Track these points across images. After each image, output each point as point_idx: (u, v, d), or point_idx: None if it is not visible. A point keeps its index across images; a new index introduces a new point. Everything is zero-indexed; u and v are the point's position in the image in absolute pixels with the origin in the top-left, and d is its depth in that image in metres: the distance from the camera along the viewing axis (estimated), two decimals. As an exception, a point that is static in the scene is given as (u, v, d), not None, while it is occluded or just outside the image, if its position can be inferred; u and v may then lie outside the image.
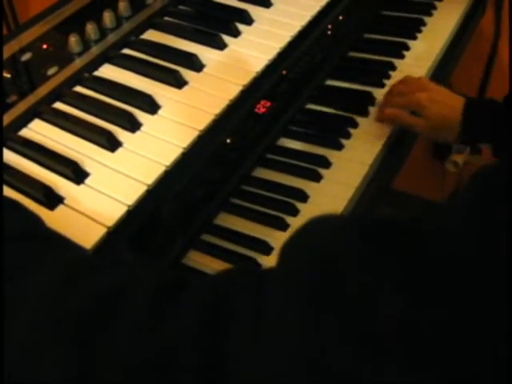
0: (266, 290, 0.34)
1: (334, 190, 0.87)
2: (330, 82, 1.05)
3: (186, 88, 0.68)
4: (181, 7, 0.82)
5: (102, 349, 0.35)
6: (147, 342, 0.35)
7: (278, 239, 0.81)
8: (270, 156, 0.93)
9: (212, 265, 0.79)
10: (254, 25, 0.77)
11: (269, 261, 0.79)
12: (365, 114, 0.98)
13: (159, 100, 0.65)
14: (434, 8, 1.18)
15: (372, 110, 0.98)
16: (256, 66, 0.72)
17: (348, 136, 0.94)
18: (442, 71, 1.08)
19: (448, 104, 0.89)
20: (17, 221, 0.47)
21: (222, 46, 0.73)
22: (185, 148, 0.60)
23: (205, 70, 0.70)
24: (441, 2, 1.20)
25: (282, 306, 0.32)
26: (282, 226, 0.82)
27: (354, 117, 0.97)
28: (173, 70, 0.68)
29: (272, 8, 0.80)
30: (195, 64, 0.69)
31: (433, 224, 0.33)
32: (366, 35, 1.14)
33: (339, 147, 0.93)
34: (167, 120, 0.64)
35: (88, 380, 0.35)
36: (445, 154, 1.58)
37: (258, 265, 0.78)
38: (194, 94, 0.67)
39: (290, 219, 0.83)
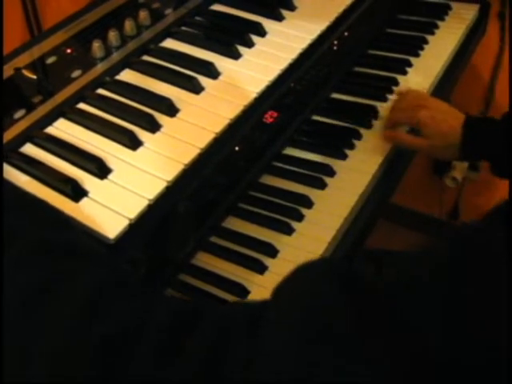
0: (260, 336, 0.38)
1: (337, 197, 0.90)
2: (335, 95, 1.09)
3: (202, 94, 0.71)
4: (197, 18, 0.86)
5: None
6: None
7: (283, 242, 0.84)
8: (276, 164, 0.97)
9: (220, 265, 0.82)
10: (267, 37, 0.82)
11: (274, 263, 0.82)
12: (368, 126, 1.02)
13: (178, 104, 0.69)
14: (436, 27, 1.23)
15: (375, 122, 1.02)
16: (268, 75, 0.76)
17: (352, 147, 0.98)
18: (443, 88, 1.12)
19: (448, 121, 0.92)
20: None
21: (236, 55, 0.77)
22: (202, 149, 0.64)
23: (220, 77, 0.74)
24: (443, 21, 1.25)
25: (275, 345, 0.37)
26: (288, 230, 0.86)
27: (358, 129, 1.01)
28: (191, 76, 0.72)
29: (284, 22, 0.85)
30: (212, 72, 0.73)
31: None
32: (371, 51, 1.19)
33: (343, 157, 0.96)
34: (185, 122, 0.67)
35: None
36: (444, 170, 1.61)
37: (264, 267, 0.81)
38: (210, 99, 0.71)
39: (295, 224, 0.87)
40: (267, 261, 0.82)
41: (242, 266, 0.82)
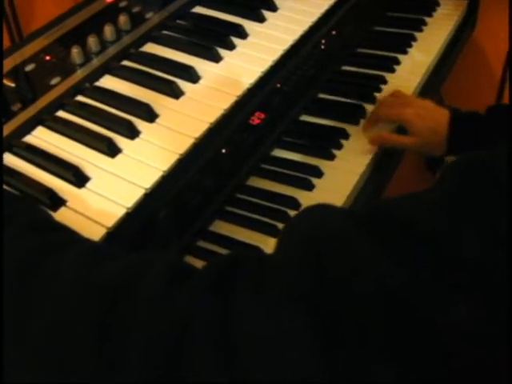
0: (266, 271, 0.38)
1: (325, 199, 0.89)
2: (322, 95, 1.08)
3: (182, 98, 0.71)
4: (178, 21, 0.85)
5: (122, 315, 0.39)
6: (166, 307, 0.38)
7: (271, 246, 0.84)
8: (263, 166, 0.96)
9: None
10: (249, 39, 0.81)
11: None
12: (356, 125, 1.01)
13: (157, 109, 0.68)
14: (425, 24, 1.22)
15: (363, 122, 1.01)
16: (250, 77, 0.75)
17: (340, 147, 0.97)
18: (432, 85, 1.11)
19: (434, 118, 0.92)
20: (28, 213, 0.51)
21: (217, 58, 0.76)
22: (181, 154, 0.63)
23: (201, 81, 0.73)
24: (431, 17, 1.24)
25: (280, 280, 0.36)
26: (276, 233, 0.85)
27: (346, 128, 1.00)
28: (170, 80, 0.72)
29: (266, 23, 0.84)
30: (192, 76, 0.72)
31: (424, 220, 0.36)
32: (359, 50, 1.18)
33: (331, 157, 0.96)
34: (164, 128, 0.67)
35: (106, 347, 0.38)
36: (436, 166, 1.60)
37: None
38: (190, 103, 0.70)
39: (283, 226, 0.86)
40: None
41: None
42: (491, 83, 1.41)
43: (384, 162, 0.97)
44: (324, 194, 0.91)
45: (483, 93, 1.44)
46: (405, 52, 1.15)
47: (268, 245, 0.84)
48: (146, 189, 0.59)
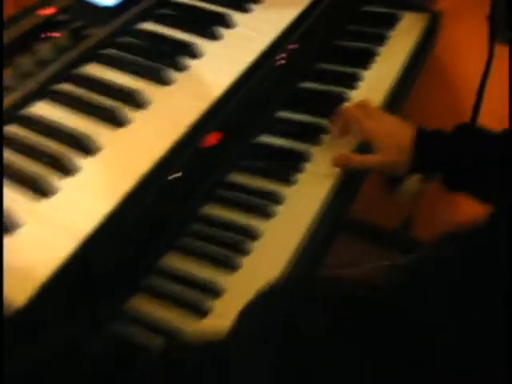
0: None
1: (286, 228, 0.84)
2: (282, 114, 1.03)
3: (127, 127, 0.64)
4: (124, 39, 0.77)
5: None
6: None
7: (229, 280, 0.78)
8: (218, 192, 0.89)
9: (157, 310, 0.75)
10: (202, 59, 0.74)
11: (218, 304, 0.75)
12: (318, 146, 0.96)
13: (98, 141, 0.61)
14: (386, 38, 1.18)
15: (325, 142, 0.96)
16: (203, 101, 0.68)
17: (300, 170, 0.92)
18: (396, 101, 1.07)
19: (398, 134, 0.88)
20: None
21: (167, 81, 0.69)
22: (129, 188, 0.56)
23: (150, 107, 0.66)
24: (393, 31, 1.20)
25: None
26: (233, 266, 0.79)
27: (307, 149, 0.95)
28: (113, 107, 0.64)
29: (221, 41, 0.77)
30: (138, 102, 0.65)
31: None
32: (319, 65, 1.13)
33: (292, 182, 0.90)
34: (108, 161, 0.59)
35: None
36: (397, 181, 1.58)
37: (206, 309, 0.74)
38: (135, 133, 0.63)
39: (240, 258, 0.80)
40: (210, 302, 0.75)
41: (181, 308, 0.75)
42: (451, 101, 1.39)
43: (347, 183, 0.92)
44: (284, 222, 0.85)
45: (443, 110, 1.41)
46: (367, 67, 1.11)
47: (225, 280, 0.78)
48: (83, 236, 0.52)
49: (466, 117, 1.39)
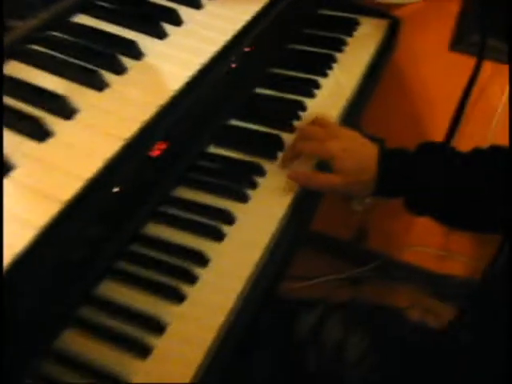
0: None
1: (238, 252, 0.75)
2: (234, 122, 0.94)
3: (51, 140, 0.53)
4: (53, 34, 0.66)
5: None
6: None
7: (173, 314, 0.68)
8: (163, 209, 0.80)
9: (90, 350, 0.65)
10: (145, 59, 0.64)
11: (161, 342, 0.66)
12: (273, 159, 0.87)
13: (23, 157, 0.50)
14: (345, 44, 1.11)
15: (280, 155, 0.88)
16: (144, 112, 0.59)
17: (254, 186, 0.83)
18: (355, 112, 1.00)
19: (362, 154, 0.80)
20: None
21: (103, 85, 0.59)
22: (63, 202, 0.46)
23: (78, 116, 0.55)
24: (351, 37, 1.13)
25: None
26: (178, 297, 0.69)
27: (261, 164, 0.86)
28: (36, 118, 0.53)
29: (167, 40, 0.68)
30: (66, 110, 0.54)
31: None
32: (274, 70, 1.05)
33: (244, 199, 0.81)
34: (32, 180, 0.49)
35: None
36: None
37: (148, 349, 0.65)
38: (60, 149, 0.52)
39: (186, 288, 0.70)
40: (151, 340, 0.66)
41: (119, 351, 0.65)
42: (411, 111, 1.34)
43: (305, 200, 0.84)
44: (236, 245, 0.76)
45: (401, 120, 1.36)
46: (325, 74, 1.03)
47: (169, 313, 0.68)
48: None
49: (424, 126, 1.35)
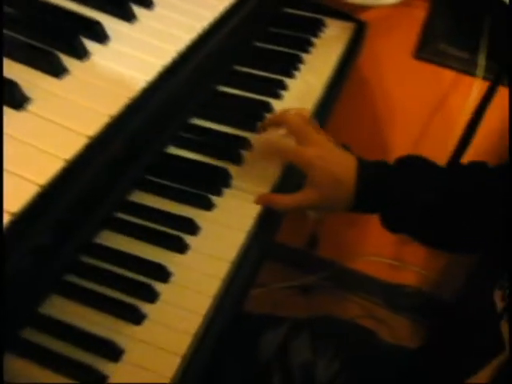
0: None
1: (202, 265, 0.68)
2: (196, 122, 0.86)
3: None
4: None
5: None
6: None
7: (130, 336, 0.60)
8: (120, 216, 0.71)
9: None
10: (110, 44, 0.56)
11: (117, 368, 0.58)
12: (238, 162, 0.81)
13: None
14: (312, 45, 1.06)
15: (246, 158, 0.81)
16: (109, 106, 0.51)
17: (219, 192, 0.76)
18: (323, 116, 0.95)
19: (339, 164, 0.72)
20: None
21: (60, 71, 0.50)
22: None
23: (30, 107, 0.47)
24: (318, 38, 1.08)
25: None
26: (137, 317, 0.61)
27: (226, 166, 0.79)
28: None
29: (137, 24, 0.59)
30: (17, 98, 0.45)
31: None
32: (238, 68, 0.98)
33: (209, 207, 0.74)
34: None
35: None
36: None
37: (104, 376, 0.57)
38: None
39: (146, 307, 0.63)
40: (107, 368, 0.57)
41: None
42: (373, 118, 1.30)
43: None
44: (201, 258, 0.69)
45: (364, 129, 1.33)
46: (292, 75, 0.98)
47: (126, 335, 0.60)
48: None
49: (386, 133, 1.32)
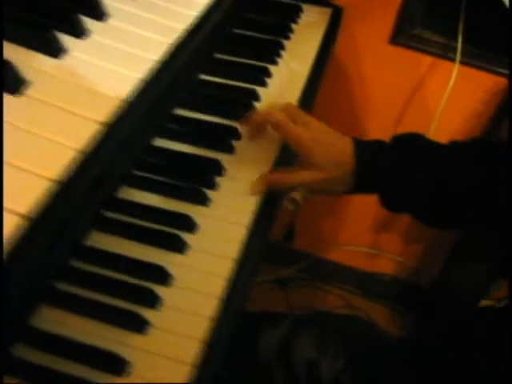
0: None
1: (205, 265, 0.63)
2: (181, 112, 0.81)
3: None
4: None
5: None
6: None
7: (134, 347, 0.55)
8: (109, 215, 0.66)
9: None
10: (110, 21, 0.51)
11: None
12: (230, 152, 0.76)
13: None
14: (291, 31, 1.02)
15: (238, 148, 0.77)
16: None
17: (213, 186, 0.72)
18: (309, 102, 0.92)
19: (336, 147, 0.72)
20: None
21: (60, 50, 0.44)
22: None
23: (28, 90, 0.41)
24: (296, 24, 1.04)
25: None
26: (139, 325, 0.56)
27: (218, 158, 0.75)
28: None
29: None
30: (13, 82, 0.40)
31: None
32: (218, 56, 0.93)
33: (204, 201, 0.69)
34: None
35: None
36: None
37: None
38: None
39: (148, 313, 0.58)
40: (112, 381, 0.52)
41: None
42: (350, 105, 1.28)
43: (271, 201, 0.74)
44: (201, 257, 0.64)
45: (341, 116, 1.30)
46: (275, 62, 0.94)
47: (129, 346, 0.55)
48: None
49: (364, 121, 1.30)
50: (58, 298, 0.57)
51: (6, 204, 0.32)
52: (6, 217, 0.33)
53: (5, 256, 0.32)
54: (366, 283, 1.62)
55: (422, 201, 0.71)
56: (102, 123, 0.40)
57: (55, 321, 0.56)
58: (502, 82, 1.15)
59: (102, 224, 0.65)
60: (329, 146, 0.71)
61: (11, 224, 0.32)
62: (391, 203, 0.74)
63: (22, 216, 0.33)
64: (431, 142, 0.73)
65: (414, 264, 1.55)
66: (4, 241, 0.32)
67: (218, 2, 0.70)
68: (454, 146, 0.74)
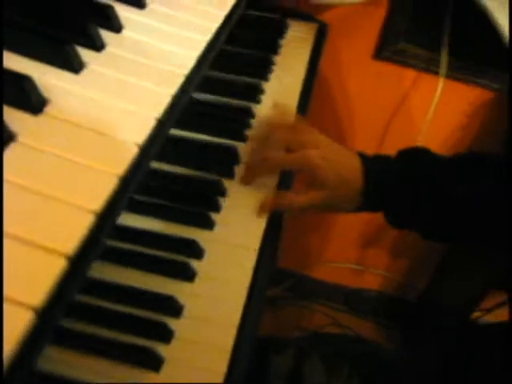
0: None
1: (216, 293, 0.60)
2: (176, 132, 0.78)
3: None
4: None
5: None
6: None
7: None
8: (112, 244, 0.62)
9: None
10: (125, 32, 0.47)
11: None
12: (231, 175, 0.73)
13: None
14: (279, 46, 1.00)
15: (238, 169, 0.74)
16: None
17: (217, 208, 0.68)
18: (303, 116, 0.89)
19: (345, 164, 0.70)
20: None
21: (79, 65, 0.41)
22: None
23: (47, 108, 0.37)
24: (284, 39, 1.03)
25: None
26: (154, 362, 0.52)
27: (220, 180, 0.71)
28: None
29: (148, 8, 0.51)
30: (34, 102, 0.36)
31: None
32: (209, 73, 0.91)
33: (210, 225, 0.66)
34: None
35: None
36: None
37: None
38: None
39: (162, 348, 0.54)
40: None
41: None
42: (335, 119, 1.27)
43: (276, 222, 0.71)
44: (212, 285, 0.61)
45: (327, 131, 1.28)
46: (266, 79, 0.92)
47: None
48: None
49: (348, 135, 1.29)
50: (63, 336, 0.53)
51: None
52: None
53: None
54: (352, 300, 1.60)
55: (429, 216, 0.70)
56: (138, 145, 0.36)
57: (63, 361, 0.51)
58: (486, 94, 1.16)
59: (105, 253, 0.60)
60: (337, 164, 0.69)
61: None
62: (397, 220, 0.73)
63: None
64: (438, 157, 0.73)
65: (400, 278, 1.54)
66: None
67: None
68: (459, 159, 0.73)
